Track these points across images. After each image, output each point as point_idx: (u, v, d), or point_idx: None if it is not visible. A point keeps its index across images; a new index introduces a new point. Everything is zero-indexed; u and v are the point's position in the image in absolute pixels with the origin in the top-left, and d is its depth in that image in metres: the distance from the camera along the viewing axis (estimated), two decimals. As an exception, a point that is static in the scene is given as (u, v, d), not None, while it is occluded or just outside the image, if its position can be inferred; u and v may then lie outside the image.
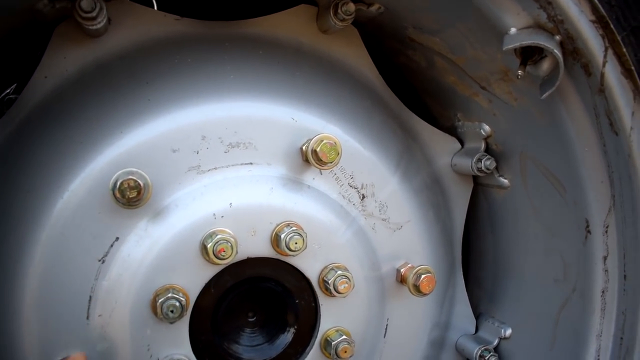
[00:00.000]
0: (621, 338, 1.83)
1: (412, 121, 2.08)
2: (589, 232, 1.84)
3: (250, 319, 1.83)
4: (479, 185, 2.23)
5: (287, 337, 1.81)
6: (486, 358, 2.11)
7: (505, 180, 2.10)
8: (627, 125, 1.65)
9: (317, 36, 1.92)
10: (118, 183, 1.51)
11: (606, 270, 1.84)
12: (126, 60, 1.75)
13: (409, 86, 2.30)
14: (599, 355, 1.87)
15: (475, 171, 2.04)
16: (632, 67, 1.59)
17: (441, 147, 2.13)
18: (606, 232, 1.81)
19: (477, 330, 2.25)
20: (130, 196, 1.51)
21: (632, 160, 1.67)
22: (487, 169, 2.02)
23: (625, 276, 1.81)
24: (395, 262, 1.90)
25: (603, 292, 1.85)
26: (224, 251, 1.59)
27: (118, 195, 1.51)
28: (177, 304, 1.58)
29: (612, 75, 1.59)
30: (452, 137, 2.14)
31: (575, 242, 1.89)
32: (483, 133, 2.06)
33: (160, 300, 1.58)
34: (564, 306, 1.97)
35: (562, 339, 1.98)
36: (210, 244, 1.59)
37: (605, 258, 1.84)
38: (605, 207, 1.80)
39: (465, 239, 2.33)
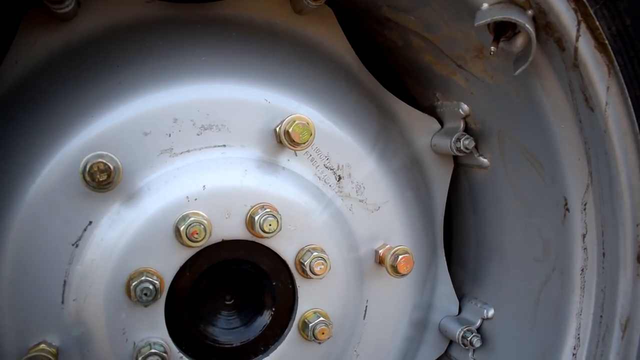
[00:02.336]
0: (601, 316, 1.83)
1: (390, 101, 2.07)
2: (567, 210, 1.84)
3: (227, 302, 1.83)
4: (459, 166, 2.22)
5: (265, 319, 1.80)
6: (468, 339, 2.11)
7: (485, 160, 2.09)
8: (602, 101, 1.63)
9: (291, 17, 1.90)
10: (88, 166, 1.50)
11: (585, 249, 1.83)
12: (96, 44, 1.74)
13: (387, 67, 2.28)
14: (579, 334, 1.87)
15: (455, 151, 2.03)
16: (606, 41, 1.57)
17: (420, 127, 2.11)
18: (584, 209, 1.81)
19: (460, 311, 2.25)
20: (101, 179, 1.50)
21: (608, 136, 1.65)
22: (466, 148, 2.01)
23: (604, 254, 1.80)
24: (373, 243, 1.89)
25: (582, 270, 1.85)
26: (197, 233, 1.58)
27: (88, 178, 1.50)
28: (151, 286, 1.58)
29: (586, 49, 1.58)
30: (431, 117, 2.13)
31: (554, 221, 1.88)
32: (462, 112, 2.05)
33: (134, 284, 1.58)
34: (544, 285, 1.97)
35: (543, 318, 1.97)
36: (183, 227, 1.58)
37: (584, 236, 1.83)
38: (583, 185, 1.79)
39: (448, 220, 2.33)
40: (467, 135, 2.02)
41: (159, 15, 1.80)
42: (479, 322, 2.17)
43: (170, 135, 1.65)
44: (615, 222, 1.73)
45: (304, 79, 1.84)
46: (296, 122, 1.63)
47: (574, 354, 1.86)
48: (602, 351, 1.80)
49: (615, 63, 1.58)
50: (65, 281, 1.62)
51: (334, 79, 1.92)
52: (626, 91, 1.60)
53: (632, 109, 1.61)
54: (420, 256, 2.05)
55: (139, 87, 1.67)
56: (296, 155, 1.76)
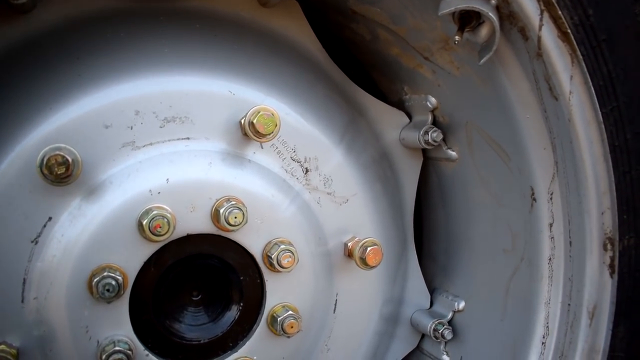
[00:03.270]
0: (569, 304, 1.84)
1: (358, 95, 2.06)
2: (534, 199, 1.84)
3: (194, 298, 1.79)
4: (428, 160, 2.22)
5: (233, 314, 1.77)
6: (440, 332, 2.10)
7: (453, 153, 2.09)
8: (566, 90, 1.64)
9: (257, 9, 1.88)
10: (45, 159, 1.46)
11: (552, 238, 1.85)
12: (56, 35, 1.70)
13: (356, 62, 2.28)
14: (548, 323, 1.87)
15: (423, 144, 2.02)
16: (569, 30, 1.58)
17: (389, 121, 2.11)
18: (551, 199, 1.82)
19: (432, 304, 2.25)
20: (59, 172, 1.46)
21: (573, 125, 1.67)
22: (434, 141, 2.01)
23: (570, 242, 1.82)
24: (342, 236, 1.88)
25: (550, 259, 1.86)
26: (160, 227, 1.55)
27: (46, 172, 1.46)
28: (114, 282, 1.54)
29: (549, 39, 1.59)
30: (399, 111, 2.12)
31: (522, 211, 1.89)
32: (429, 105, 2.05)
33: (95, 280, 1.54)
34: (513, 276, 1.98)
35: (512, 309, 1.98)
36: (145, 221, 1.55)
37: (551, 225, 1.84)
38: (549, 174, 1.80)
39: (418, 215, 2.32)
40: (434, 128, 2.02)
41: (121, 6, 1.76)
42: (450, 315, 2.17)
43: (132, 128, 1.62)
44: (581, 210, 1.75)
45: (270, 71, 1.82)
46: (261, 112, 1.61)
47: (543, 343, 1.86)
48: (570, 339, 1.81)
49: (579, 52, 1.60)
50: (25, 279, 1.57)
51: (300, 71, 1.90)
52: (589, 80, 1.62)
53: (595, 98, 1.63)
54: (391, 250, 2.05)
55: (100, 79, 1.64)
56: (262, 147, 1.74)
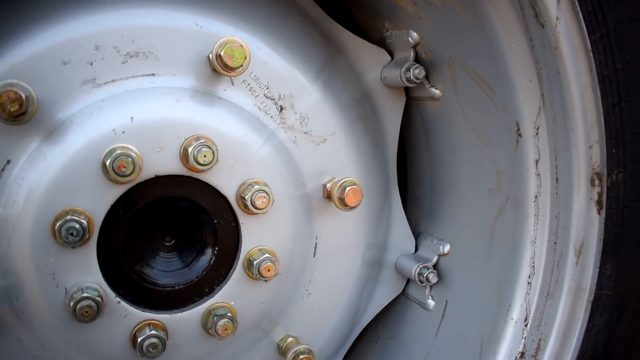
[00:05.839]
0: (555, 243, 1.79)
1: (337, 32, 1.96)
2: (519, 135, 1.77)
3: (166, 243, 1.73)
4: (412, 100, 2.13)
5: (207, 259, 1.71)
6: (425, 275, 2.06)
7: (437, 91, 2.00)
8: (552, 15, 1.55)
9: (225, -62, 1.76)
10: (-3, 96, 1.36)
11: (538, 174, 1.78)
12: (8, -34, 1.58)
13: (334, -2, 2.17)
14: (533, 262, 1.83)
15: (405, 81, 1.93)
16: (555, -50, 1.49)
17: (369, 59, 2.01)
18: (537, 134, 1.75)
19: (416, 249, 2.20)
20: (12, 109, 1.37)
21: (560, 54, 1.59)
22: (417, 78, 1.92)
23: (557, 179, 1.75)
24: (321, 177, 1.80)
25: (536, 197, 1.80)
26: (125, 167, 1.47)
27: (-1, 110, 1.37)
28: (77, 226, 1.47)
29: (534, -40, 1.49)
30: (380, 49, 2.03)
31: (507, 148, 1.82)
32: (411, 41, 1.96)
33: (58, 224, 1.47)
34: (498, 216, 1.92)
35: (497, 250, 1.93)
36: (109, 161, 1.47)
37: (537, 161, 1.77)
38: (535, 108, 1.72)
39: (402, 160, 2.25)
40: (416, 65, 1.93)
41: None
42: (435, 259, 2.12)
43: (92, 64, 1.52)
44: (569, 145, 1.68)
45: (240, 3, 1.71)
46: (228, 44, 1.51)
47: (529, 283, 1.82)
48: (557, 278, 1.77)
49: (565, -26, 1.50)
50: (-15, 226, 1.50)
51: (273, 4, 1.79)
52: (577, 5, 1.53)
53: (584, 25, 1.55)
54: (373, 193, 1.98)
55: (56, 13, 1.54)
56: (233, 84, 1.65)
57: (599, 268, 1.72)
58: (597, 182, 1.69)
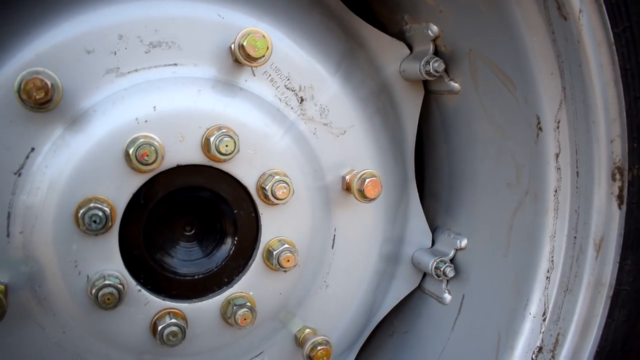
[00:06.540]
0: (574, 237, 1.78)
1: (357, 25, 1.96)
2: (540, 129, 1.76)
3: (187, 232, 1.74)
4: (430, 94, 2.13)
5: (227, 249, 1.72)
6: (442, 269, 2.05)
7: (456, 84, 2.00)
8: (575, 8, 1.54)
9: None
10: (23, 84, 1.38)
11: (558, 169, 1.77)
12: (34, -43, 1.60)
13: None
14: (552, 257, 1.82)
15: (424, 75, 1.93)
16: (579, -58, 1.48)
17: (389, 52, 2.01)
18: (557, 127, 1.74)
19: (433, 243, 2.20)
20: (38, 97, 1.38)
21: (582, 47, 1.58)
22: (436, 71, 1.92)
23: (577, 173, 1.74)
24: (340, 169, 1.81)
25: (556, 191, 1.79)
26: (147, 155, 1.48)
27: (24, 97, 1.39)
28: (100, 213, 1.48)
29: (558, -48, 1.49)
30: (400, 42, 2.02)
31: (527, 142, 1.82)
32: (431, 34, 1.95)
33: (82, 211, 1.48)
34: (517, 210, 1.91)
35: (516, 244, 1.92)
36: (132, 149, 1.48)
37: (557, 155, 1.76)
38: (556, 101, 1.71)
39: (419, 154, 2.25)
40: (436, 58, 1.93)
41: None
42: (452, 253, 2.12)
43: (115, 54, 1.53)
44: (590, 139, 1.67)
45: (262, -5, 1.72)
46: (251, 34, 1.51)
47: (547, 277, 1.81)
48: (576, 272, 1.76)
49: (589, -34, 1.49)
50: (9, 213, 1.51)
51: (294, -4, 1.80)
52: (601, -3, 1.52)
53: (607, 17, 1.53)
54: (390, 187, 1.98)
55: (81, 3, 1.55)
56: (254, 75, 1.66)
57: (619, 263, 1.71)
58: (618, 176, 1.67)
